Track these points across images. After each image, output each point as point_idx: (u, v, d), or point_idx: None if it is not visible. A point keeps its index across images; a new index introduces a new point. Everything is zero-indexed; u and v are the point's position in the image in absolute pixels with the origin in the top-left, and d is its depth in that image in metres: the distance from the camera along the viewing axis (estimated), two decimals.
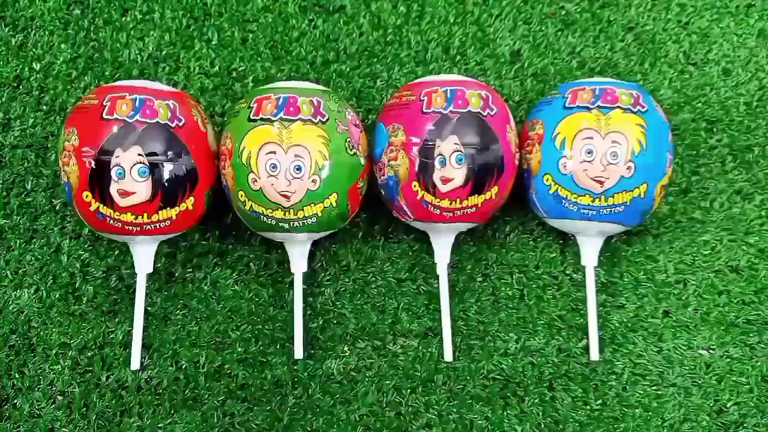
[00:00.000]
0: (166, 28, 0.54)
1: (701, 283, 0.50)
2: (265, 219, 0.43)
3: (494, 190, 0.44)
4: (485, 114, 0.44)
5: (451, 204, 0.44)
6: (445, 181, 0.43)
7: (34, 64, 0.53)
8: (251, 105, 0.43)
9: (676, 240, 0.51)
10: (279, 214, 0.43)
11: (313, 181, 0.42)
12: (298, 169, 0.42)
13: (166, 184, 0.42)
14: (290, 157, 0.42)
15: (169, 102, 0.43)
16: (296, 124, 0.42)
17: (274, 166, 0.42)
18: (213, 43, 0.54)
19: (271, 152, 0.42)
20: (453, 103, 0.43)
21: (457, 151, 0.43)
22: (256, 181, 0.42)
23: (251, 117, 0.43)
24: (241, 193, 0.43)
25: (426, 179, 0.43)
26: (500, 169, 0.44)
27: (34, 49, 0.53)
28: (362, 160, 0.45)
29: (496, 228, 0.51)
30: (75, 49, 0.53)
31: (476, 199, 0.44)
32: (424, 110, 0.43)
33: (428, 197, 0.44)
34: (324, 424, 0.48)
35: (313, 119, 0.42)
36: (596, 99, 0.44)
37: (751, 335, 0.49)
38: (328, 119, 0.43)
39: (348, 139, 0.43)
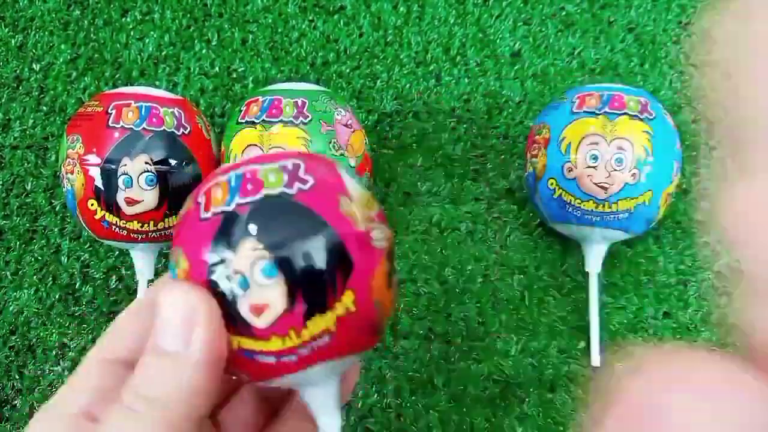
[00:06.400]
0: (166, 29, 0.51)
1: (702, 284, 0.48)
2: None
3: None
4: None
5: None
6: None
7: (34, 64, 0.50)
8: (241, 108, 0.41)
9: (676, 241, 0.48)
10: None
11: None
12: None
13: (173, 191, 0.40)
14: None
15: (174, 110, 0.41)
16: (277, 126, 0.40)
17: None
18: (213, 43, 0.51)
19: (253, 155, 0.40)
20: None
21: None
22: None
23: (239, 120, 0.41)
24: None
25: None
26: None
27: (34, 50, 0.51)
28: (352, 161, 0.42)
29: (496, 229, 0.49)
30: (75, 50, 0.51)
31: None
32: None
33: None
34: None
35: (294, 120, 0.40)
36: (603, 105, 0.41)
37: None
38: (310, 120, 0.40)
39: (333, 140, 0.41)
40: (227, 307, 0.21)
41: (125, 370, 0.23)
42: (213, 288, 0.21)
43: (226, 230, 0.21)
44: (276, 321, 0.21)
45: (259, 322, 0.21)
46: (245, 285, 0.21)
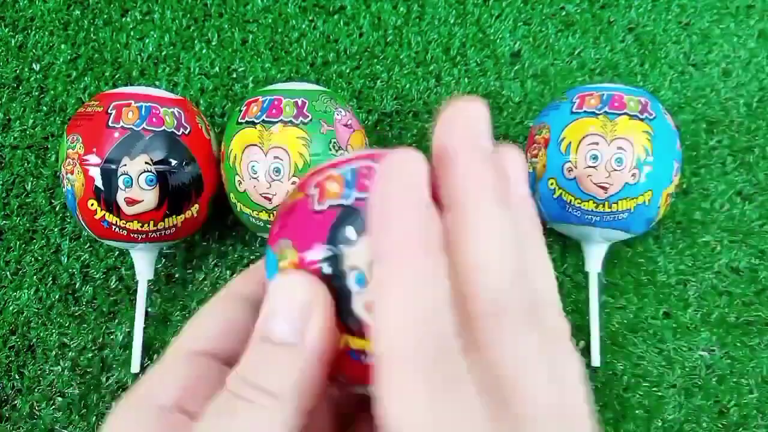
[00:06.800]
0: (166, 29, 0.51)
1: (702, 284, 0.48)
2: (254, 221, 0.42)
3: None
4: None
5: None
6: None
7: (34, 64, 0.50)
8: (241, 108, 0.41)
9: (676, 241, 0.48)
10: (264, 216, 0.41)
11: (293, 182, 0.39)
12: (277, 171, 0.39)
13: (173, 191, 0.40)
14: (270, 159, 0.40)
15: (174, 110, 0.41)
16: (277, 126, 0.40)
17: (255, 169, 0.40)
18: (213, 43, 0.51)
19: (253, 154, 0.40)
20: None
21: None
22: (241, 183, 0.41)
23: (239, 120, 0.41)
24: (232, 195, 0.42)
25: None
26: None
27: (34, 50, 0.51)
28: None
29: None
30: (75, 50, 0.51)
31: None
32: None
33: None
34: None
35: (294, 120, 0.40)
36: (603, 105, 0.41)
37: (751, 336, 0.47)
38: (311, 120, 0.40)
39: (333, 140, 0.41)
40: (339, 303, 0.20)
41: (212, 363, 0.22)
42: (325, 282, 0.20)
43: (343, 224, 0.20)
44: None
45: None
46: (362, 282, 0.20)
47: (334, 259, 0.20)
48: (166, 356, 0.22)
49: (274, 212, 0.40)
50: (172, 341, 0.23)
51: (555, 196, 0.42)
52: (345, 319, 0.20)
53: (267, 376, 0.19)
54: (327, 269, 0.20)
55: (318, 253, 0.20)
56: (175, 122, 0.41)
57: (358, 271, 0.20)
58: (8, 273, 0.47)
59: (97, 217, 0.40)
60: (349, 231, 0.20)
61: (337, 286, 0.20)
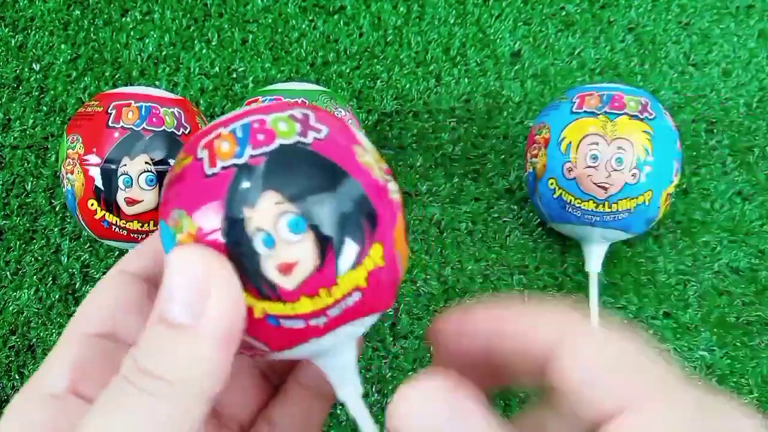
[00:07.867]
0: (166, 29, 0.51)
1: (702, 284, 0.48)
2: None
3: None
4: None
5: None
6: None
7: (34, 64, 0.50)
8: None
9: (676, 241, 0.48)
10: None
11: None
12: None
13: None
14: None
15: (174, 110, 0.41)
16: None
17: None
18: (213, 43, 0.51)
19: None
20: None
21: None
22: None
23: None
24: None
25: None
26: None
27: (34, 50, 0.51)
28: None
29: (496, 229, 0.49)
30: (75, 50, 0.51)
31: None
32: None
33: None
34: (324, 426, 0.46)
35: None
36: (604, 105, 0.41)
37: (751, 336, 0.47)
38: None
39: None
40: (248, 270, 0.18)
41: (109, 343, 0.21)
42: (229, 250, 0.18)
43: (240, 185, 0.19)
44: (306, 280, 0.19)
45: (288, 283, 0.19)
46: (270, 243, 0.18)
47: (237, 224, 0.18)
48: (57, 342, 0.21)
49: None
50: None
51: (555, 196, 0.42)
52: (258, 286, 0.19)
53: (163, 362, 0.17)
54: (230, 236, 0.18)
55: (217, 220, 0.19)
56: (175, 122, 0.41)
57: (264, 232, 0.18)
58: (8, 273, 0.47)
59: (97, 217, 0.40)
60: (249, 192, 0.19)
61: (243, 253, 0.18)
